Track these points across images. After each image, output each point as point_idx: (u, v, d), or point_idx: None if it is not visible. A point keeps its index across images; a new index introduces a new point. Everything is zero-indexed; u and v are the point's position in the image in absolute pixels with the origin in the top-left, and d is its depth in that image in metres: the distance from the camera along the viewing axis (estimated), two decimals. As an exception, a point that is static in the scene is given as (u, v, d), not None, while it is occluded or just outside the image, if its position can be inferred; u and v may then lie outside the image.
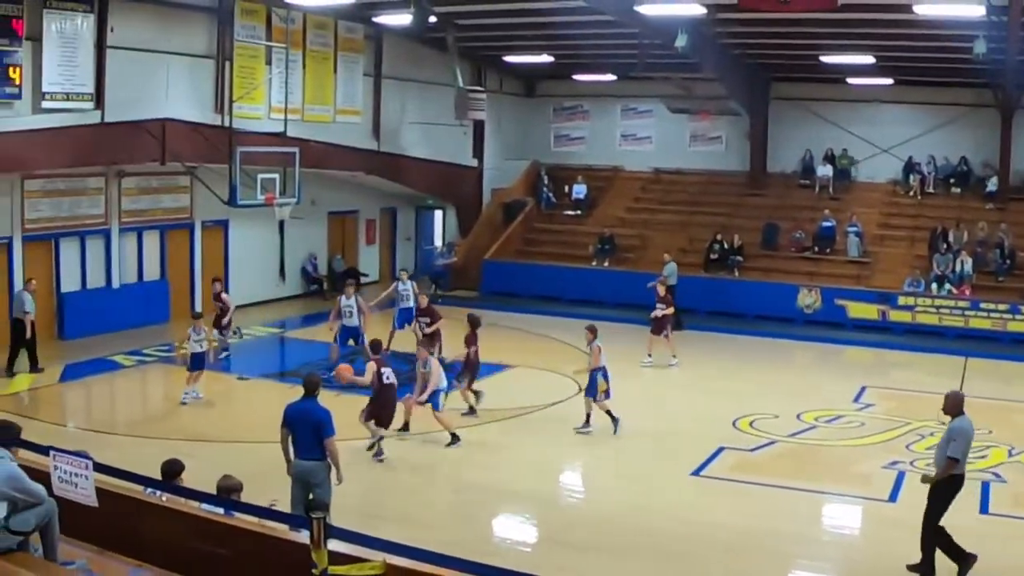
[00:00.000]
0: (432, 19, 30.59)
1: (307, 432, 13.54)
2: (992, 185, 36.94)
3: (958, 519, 15.98)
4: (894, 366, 29.19)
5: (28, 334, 24.38)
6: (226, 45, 29.68)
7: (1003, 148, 36.79)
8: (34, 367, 24.47)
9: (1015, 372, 27.93)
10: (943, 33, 28.65)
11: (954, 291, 32.67)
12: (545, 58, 38.33)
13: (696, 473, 18.21)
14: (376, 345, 19.57)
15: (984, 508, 17.10)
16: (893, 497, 17.50)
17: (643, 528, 15.67)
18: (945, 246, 34.17)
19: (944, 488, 13.92)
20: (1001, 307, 31.86)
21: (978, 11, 24.17)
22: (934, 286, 33.03)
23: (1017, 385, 26.21)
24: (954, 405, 14.21)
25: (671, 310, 27.79)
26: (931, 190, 37.84)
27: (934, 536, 13.95)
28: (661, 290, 28.07)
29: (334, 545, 8.35)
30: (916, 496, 17.00)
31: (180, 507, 10.27)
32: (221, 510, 10.34)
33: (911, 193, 37.98)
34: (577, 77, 42.31)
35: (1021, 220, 35.54)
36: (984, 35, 27.16)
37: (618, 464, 19.13)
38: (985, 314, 31.85)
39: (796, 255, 36.30)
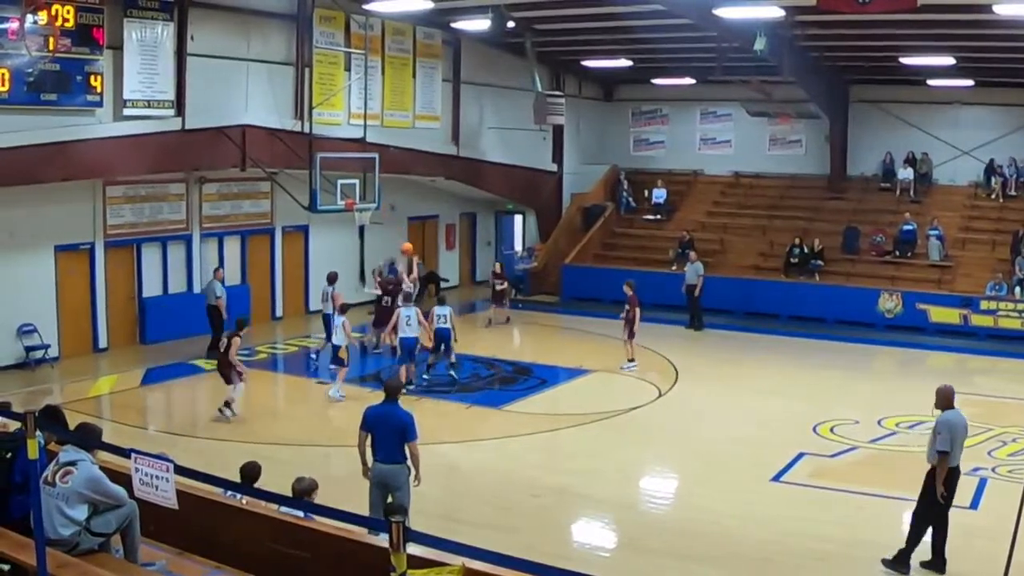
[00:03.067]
0: (510, 24, 30.82)
1: (389, 435, 13.72)
2: (1081, 188, 36.54)
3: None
4: (976, 371, 28.93)
5: (223, 316, 26.93)
6: (305, 52, 30.08)
7: (1084, 149, 36.44)
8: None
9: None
10: (1022, 33, 28.43)
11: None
12: (623, 62, 38.45)
13: (776, 479, 18.24)
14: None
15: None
16: (975, 504, 17.38)
17: (723, 535, 15.73)
18: (1027, 248, 33.83)
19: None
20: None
21: (1059, 10, 24.01)
22: (1017, 290, 32.72)
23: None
24: (943, 399, 14.54)
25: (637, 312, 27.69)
26: (1013, 192, 37.51)
27: (938, 528, 14.26)
28: (628, 290, 28.04)
29: (412, 549, 8.49)
30: (999, 503, 17.16)
31: (259, 510, 10.49)
32: (300, 513, 10.56)
33: (992, 196, 37.69)
34: (655, 81, 42.42)
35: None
36: (1064, 35, 26.96)
37: (697, 469, 19.21)
38: (1062, 318, 31.51)
39: (877, 259, 36.15)
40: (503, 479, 18.30)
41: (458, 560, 8.44)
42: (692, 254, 33.75)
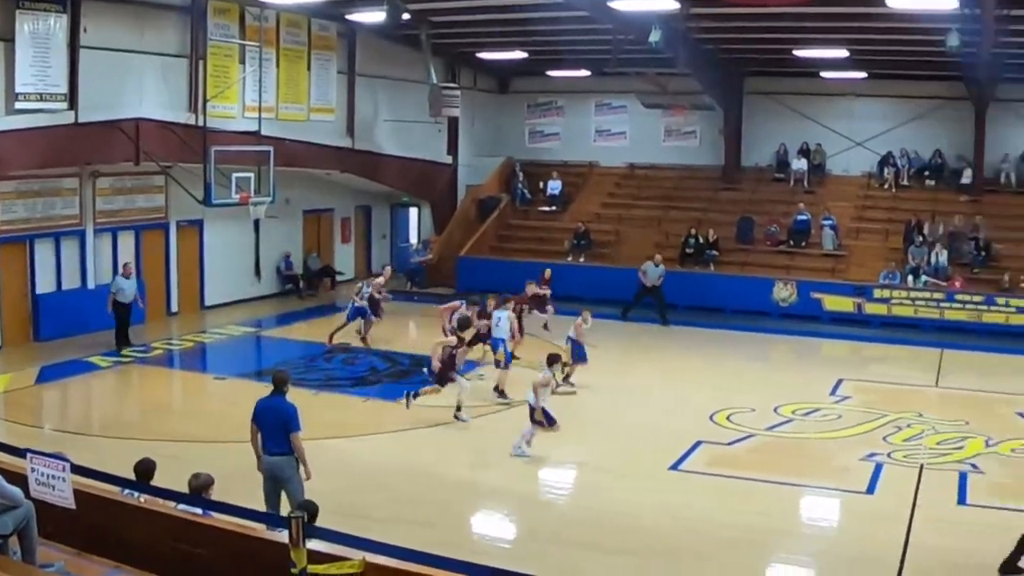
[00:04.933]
0: (405, 16, 30.43)
1: (274, 427, 13.58)
2: (966, 178, 37.16)
3: (936, 511, 16.17)
4: (870, 359, 29.17)
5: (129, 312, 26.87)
6: (199, 44, 29.49)
7: (977, 141, 36.99)
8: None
9: (990, 363, 28.03)
10: (916, 26, 28.66)
11: (942, 284, 32.74)
12: (519, 54, 38.18)
13: (675, 468, 18.16)
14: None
15: (962, 499, 17.11)
16: (871, 489, 17.48)
17: (624, 523, 15.60)
18: (920, 238, 34.29)
19: None
20: (976, 299, 32.01)
21: (951, 4, 24.17)
22: (910, 278, 33.13)
23: (993, 376, 26.30)
24: None
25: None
26: (905, 183, 38.03)
27: None
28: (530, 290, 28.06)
29: (313, 544, 8.31)
30: (895, 487, 17.24)
31: (157, 508, 10.20)
32: (198, 510, 10.28)
33: (886, 186, 38.15)
34: (551, 73, 42.23)
35: (996, 212, 35.76)
36: (957, 28, 27.19)
37: (597, 459, 19.06)
38: (960, 306, 31.99)
39: (771, 249, 36.36)
40: (403, 472, 18.00)
41: (359, 555, 8.26)
42: (657, 256, 33.61)
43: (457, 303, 24.72)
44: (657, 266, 32.95)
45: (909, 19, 27.83)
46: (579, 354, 23.98)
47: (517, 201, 41.71)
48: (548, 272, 30.16)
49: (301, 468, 13.61)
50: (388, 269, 30.79)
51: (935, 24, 27.54)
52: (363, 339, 27.56)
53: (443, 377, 20.89)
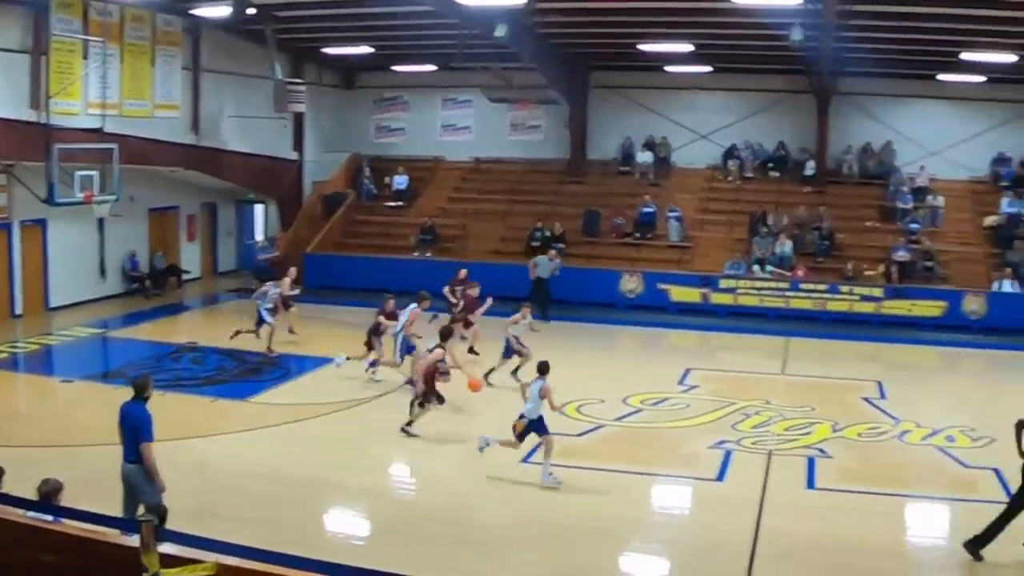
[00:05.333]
0: (250, 11, 29.90)
1: (127, 434, 13.03)
2: (810, 169, 37.87)
3: (785, 495, 16.27)
4: (717, 348, 29.46)
5: None
6: (42, 39, 28.47)
7: (820, 133, 37.75)
8: None
9: (835, 350, 28.52)
10: (760, 21, 28.99)
11: (786, 273, 33.18)
12: (364, 49, 37.78)
13: (525, 460, 17.98)
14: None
15: (811, 483, 17.30)
16: (721, 476, 17.57)
17: (477, 517, 15.44)
18: (765, 229, 34.75)
19: None
20: (821, 287, 32.55)
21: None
22: (755, 268, 33.51)
23: (837, 363, 26.73)
24: None
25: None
26: (750, 175, 38.59)
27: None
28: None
29: (165, 548, 8.02)
30: (743, 474, 17.30)
31: (5, 515, 9.75)
32: (48, 516, 9.85)
33: (730, 178, 38.65)
34: (396, 68, 41.86)
35: (839, 203, 36.53)
36: (800, 23, 27.55)
37: (448, 454, 18.84)
38: (805, 294, 32.49)
39: (617, 241, 36.47)
40: (256, 472, 17.56)
41: (211, 557, 7.97)
42: (552, 251, 33.56)
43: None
44: (551, 260, 32.98)
45: (753, 14, 28.15)
46: (509, 352, 23.84)
47: (363, 197, 41.29)
48: (464, 272, 29.41)
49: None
50: (293, 271, 29.78)
51: (779, 19, 27.87)
52: (268, 346, 26.74)
53: (429, 395, 20.10)
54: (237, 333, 26.85)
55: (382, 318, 23.93)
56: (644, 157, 39.53)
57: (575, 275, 34.10)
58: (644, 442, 19.65)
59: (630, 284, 34.04)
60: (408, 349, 23.09)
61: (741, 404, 21.86)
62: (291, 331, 27.67)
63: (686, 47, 33.58)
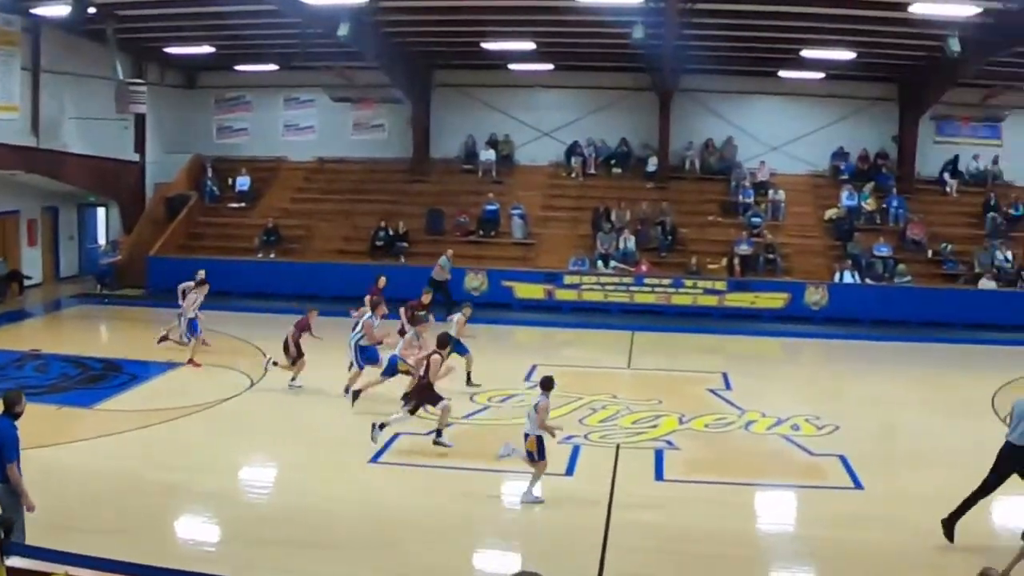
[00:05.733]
0: (91, 10, 29.24)
1: None
2: (652, 165, 38.32)
3: (634, 488, 16.25)
4: (563, 344, 29.48)
5: None
6: None
7: (662, 129, 38.16)
8: None
9: (680, 344, 28.84)
10: (602, 19, 29.14)
11: (630, 269, 33.38)
12: (206, 49, 37.06)
13: (375, 460, 17.73)
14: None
15: (659, 475, 17.34)
16: (570, 471, 17.50)
17: (330, 519, 15.09)
18: (608, 225, 34.94)
19: None
20: (665, 282, 32.87)
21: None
22: (599, 264, 33.66)
23: (682, 356, 27.03)
24: None
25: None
26: (593, 171, 38.85)
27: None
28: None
29: (13, 561, 7.66)
30: (592, 468, 17.23)
31: None
32: None
33: (573, 175, 38.78)
34: (239, 68, 41.12)
35: (681, 198, 37.00)
36: (642, 21, 27.72)
37: (298, 456, 18.47)
38: (649, 289, 32.78)
39: (461, 239, 36.36)
40: (103, 480, 16.95)
41: (61, 569, 7.64)
42: (449, 251, 33.30)
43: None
44: (449, 260, 32.78)
45: (595, 12, 28.28)
46: (461, 350, 23.24)
47: (206, 198, 40.54)
48: (383, 280, 28.58)
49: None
50: (201, 272, 28.70)
51: (621, 17, 28.04)
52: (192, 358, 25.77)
53: (434, 397, 19.18)
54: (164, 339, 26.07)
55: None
56: (487, 155, 39.52)
57: (419, 274, 33.80)
58: (493, 439, 19.44)
59: (474, 282, 33.98)
60: (369, 358, 22.54)
61: (588, 399, 21.83)
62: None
63: (528, 45, 33.64)
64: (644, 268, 33.66)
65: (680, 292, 32.54)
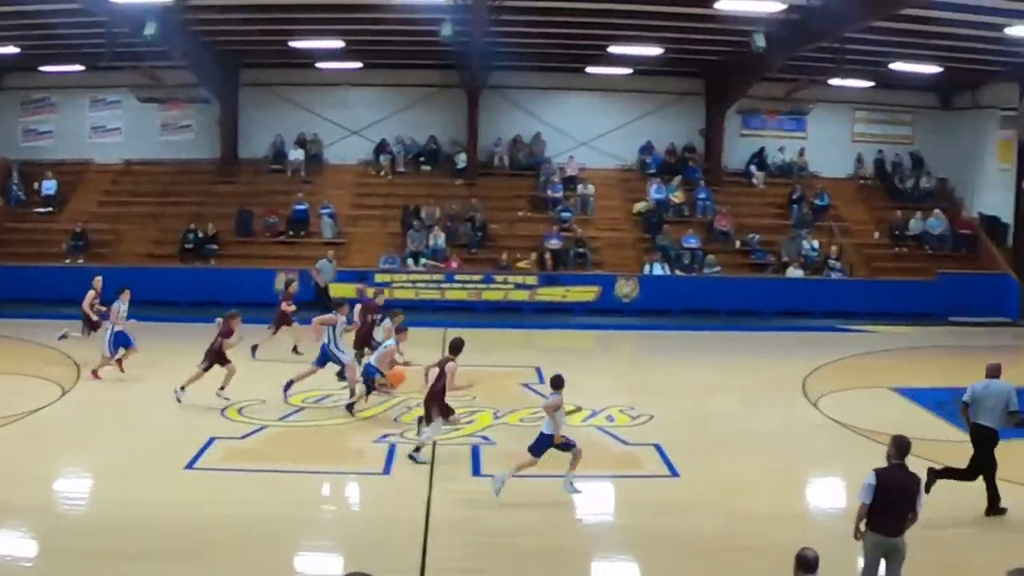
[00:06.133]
0: None
1: None
2: (461, 162, 38.43)
3: (452, 484, 16.24)
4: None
5: None
6: None
7: (470, 126, 38.34)
8: None
9: (493, 339, 28.92)
10: (410, 17, 29.13)
11: (440, 266, 33.43)
12: (11, 49, 35.99)
13: (190, 466, 17.39)
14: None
15: (476, 470, 17.42)
16: (387, 469, 17.43)
17: (148, 528, 14.62)
18: (418, 223, 34.98)
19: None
20: (476, 278, 33.04)
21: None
22: (409, 261, 33.65)
23: (495, 352, 27.09)
24: (990, 371, 16.04)
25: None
26: (402, 169, 38.83)
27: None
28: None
29: None
30: (409, 466, 17.22)
31: None
32: None
33: (382, 173, 38.70)
34: (44, 69, 39.95)
35: (490, 194, 37.24)
36: (450, 18, 27.79)
37: (113, 464, 17.97)
38: (460, 285, 32.94)
39: (271, 240, 36.16)
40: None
41: None
42: (331, 252, 32.95)
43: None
44: (331, 262, 32.49)
45: (403, 10, 28.21)
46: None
47: (11, 203, 39.38)
48: (293, 285, 28.19)
49: None
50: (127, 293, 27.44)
51: (429, 15, 28.04)
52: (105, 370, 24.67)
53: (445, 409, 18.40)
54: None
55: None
56: (296, 155, 39.22)
57: (230, 275, 33.49)
58: (309, 440, 19.31)
59: (280, 284, 33.59)
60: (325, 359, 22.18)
61: (402, 397, 21.75)
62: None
63: (337, 43, 33.54)
64: (455, 265, 33.81)
65: (491, 288, 32.75)
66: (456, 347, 18.57)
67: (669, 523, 15.00)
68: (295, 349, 26.53)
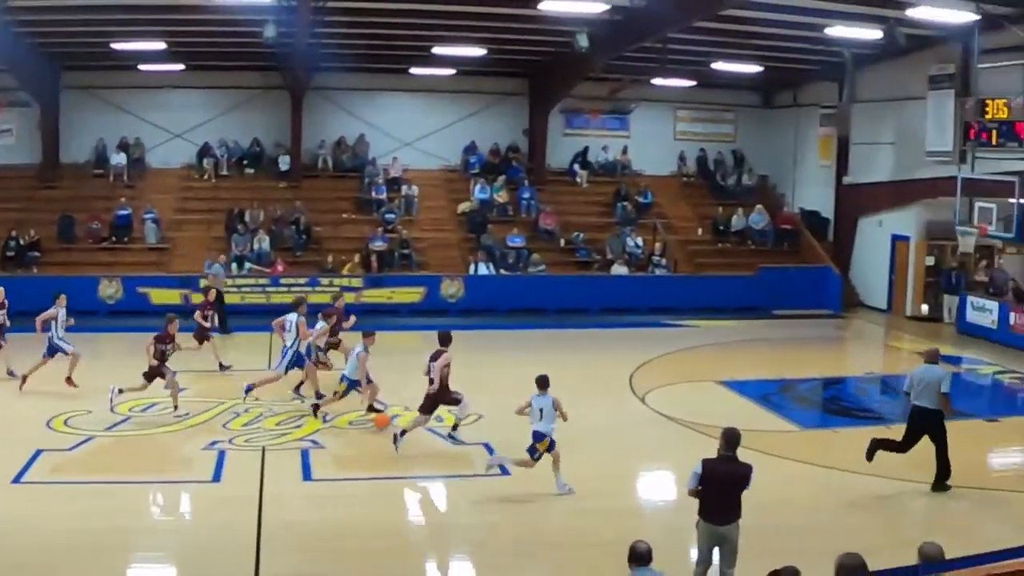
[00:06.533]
0: None
1: None
2: (285, 164, 38.28)
3: (282, 489, 16.26)
4: (206, 348, 28.84)
5: None
6: None
7: (294, 128, 38.15)
8: None
9: (320, 343, 28.81)
10: (233, 18, 28.91)
11: (265, 270, 33.32)
12: None
13: (16, 481, 17.06)
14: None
15: (307, 475, 17.45)
16: (217, 477, 17.34)
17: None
18: (242, 226, 34.76)
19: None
20: (301, 281, 33.06)
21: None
22: (234, 266, 33.42)
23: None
24: (929, 356, 17.35)
25: None
26: (226, 172, 38.46)
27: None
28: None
29: None
30: (239, 472, 17.16)
31: None
32: None
33: (206, 176, 38.28)
34: None
35: (314, 196, 37.25)
36: (274, 19, 27.64)
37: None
38: (286, 289, 32.81)
39: (94, 246, 35.46)
40: None
41: None
42: (222, 257, 32.44)
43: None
44: (222, 266, 32.03)
45: (226, 11, 27.99)
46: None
47: None
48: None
49: None
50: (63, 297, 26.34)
51: (252, 16, 27.87)
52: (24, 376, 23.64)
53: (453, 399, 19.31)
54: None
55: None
56: (118, 159, 38.47)
57: (52, 283, 32.67)
58: (138, 450, 19.08)
59: (109, 289, 33.16)
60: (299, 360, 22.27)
61: (230, 403, 21.68)
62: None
63: (159, 45, 33.05)
64: (280, 268, 33.75)
65: (317, 291, 32.62)
66: (443, 339, 19.64)
67: (502, 521, 15.34)
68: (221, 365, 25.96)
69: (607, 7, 28.05)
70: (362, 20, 30.45)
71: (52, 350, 23.60)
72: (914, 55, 33.22)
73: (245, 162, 38.73)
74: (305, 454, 18.44)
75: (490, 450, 18.49)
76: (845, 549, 9.20)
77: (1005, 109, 29.49)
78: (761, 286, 36.51)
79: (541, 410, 16.37)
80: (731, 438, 12.18)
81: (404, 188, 38.07)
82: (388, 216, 36.43)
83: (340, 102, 39.29)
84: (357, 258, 34.66)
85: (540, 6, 27.51)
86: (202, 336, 25.94)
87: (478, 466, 17.78)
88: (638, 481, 18.36)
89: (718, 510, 11.87)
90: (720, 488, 11.90)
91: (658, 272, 36.65)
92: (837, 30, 30.11)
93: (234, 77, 38.19)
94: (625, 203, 39.16)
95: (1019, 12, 28.59)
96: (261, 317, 29.99)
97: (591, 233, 37.92)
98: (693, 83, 38.85)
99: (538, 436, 16.30)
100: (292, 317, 22.33)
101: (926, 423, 16.75)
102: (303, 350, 22.28)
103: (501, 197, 38.45)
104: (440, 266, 35.27)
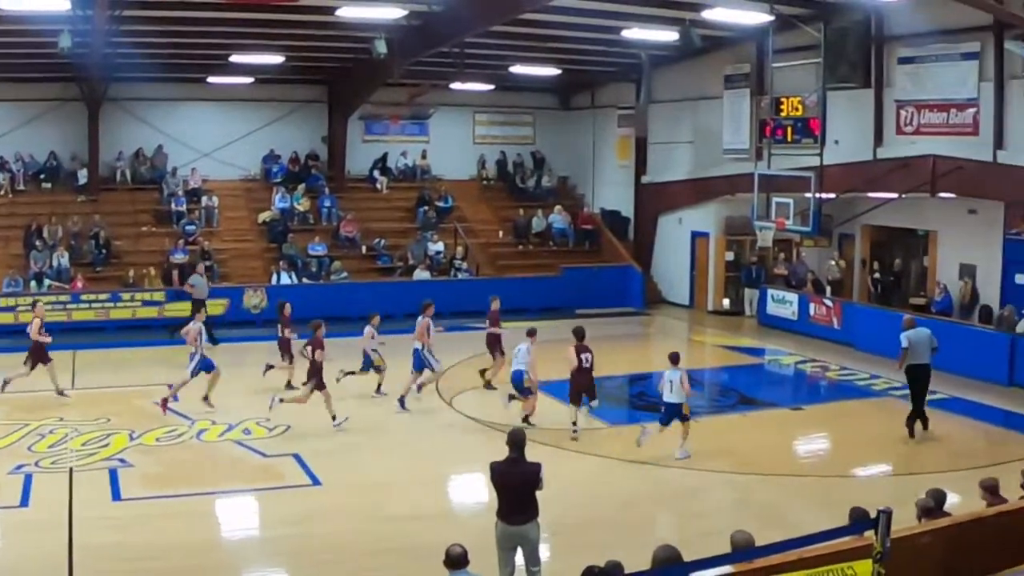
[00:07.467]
0: None
1: None
2: (83, 178, 37.48)
3: (93, 510, 16.05)
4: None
5: None
6: None
7: (91, 140, 37.35)
8: None
9: (124, 358, 28.74)
10: (26, 28, 28.28)
11: (65, 286, 32.69)
12: None
13: None
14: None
15: (116, 495, 17.21)
16: (24, 501, 16.92)
17: None
18: (40, 242, 34.01)
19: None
20: (102, 296, 32.44)
21: (64, 5, 24.13)
22: (32, 284, 32.73)
23: (125, 370, 26.96)
24: (906, 323, 20.80)
25: None
26: (22, 187, 37.35)
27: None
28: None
29: None
30: (48, 495, 16.87)
31: None
32: None
33: (2, 192, 37.24)
34: None
35: (114, 210, 36.62)
36: (69, 29, 27.12)
37: None
38: (87, 305, 32.19)
39: None
40: None
41: None
42: (201, 266, 31.90)
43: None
44: (202, 277, 31.22)
45: (19, 20, 27.39)
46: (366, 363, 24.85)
47: None
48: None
49: None
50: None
51: (47, 26, 27.27)
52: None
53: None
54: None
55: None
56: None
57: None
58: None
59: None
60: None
61: (34, 424, 21.19)
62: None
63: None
64: (80, 284, 33.08)
65: (119, 306, 32.21)
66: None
67: (314, 531, 15.43)
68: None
69: (404, 12, 28.20)
70: (159, 29, 30.05)
71: None
72: (710, 55, 34.35)
73: (42, 176, 37.76)
74: (113, 473, 18.17)
75: (301, 461, 18.56)
76: (660, 542, 9.43)
77: (800, 106, 30.77)
78: (564, 286, 37.15)
79: (671, 382, 18.73)
80: (516, 439, 12.49)
81: (204, 199, 37.69)
82: (188, 228, 36.07)
83: (137, 113, 38.66)
84: (152, 271, 34.21)
85: (338, 12, 27.55)
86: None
87: (288, 477, 17.87)
88: (447, 485, 18.60)
89: (513, 511, 12.16)
90: (511, 489, 12.21)
91: (460, 276, 36.98)
92: (634, 32, 30.86)
93: (29, 89, 37.13)
94: (426, 208, 39.44)
95: (811, 12, 29.90)
96: (63, 335, 29.40)
97: (393, 239, 38.15)
98: (491, 87, 39.35)
99: (671, 408, 18.80)
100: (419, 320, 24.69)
101: (926, 375, 20.40)
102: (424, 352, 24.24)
103: (302, 205, 38.36)
104: (243, 277, 35.06)
